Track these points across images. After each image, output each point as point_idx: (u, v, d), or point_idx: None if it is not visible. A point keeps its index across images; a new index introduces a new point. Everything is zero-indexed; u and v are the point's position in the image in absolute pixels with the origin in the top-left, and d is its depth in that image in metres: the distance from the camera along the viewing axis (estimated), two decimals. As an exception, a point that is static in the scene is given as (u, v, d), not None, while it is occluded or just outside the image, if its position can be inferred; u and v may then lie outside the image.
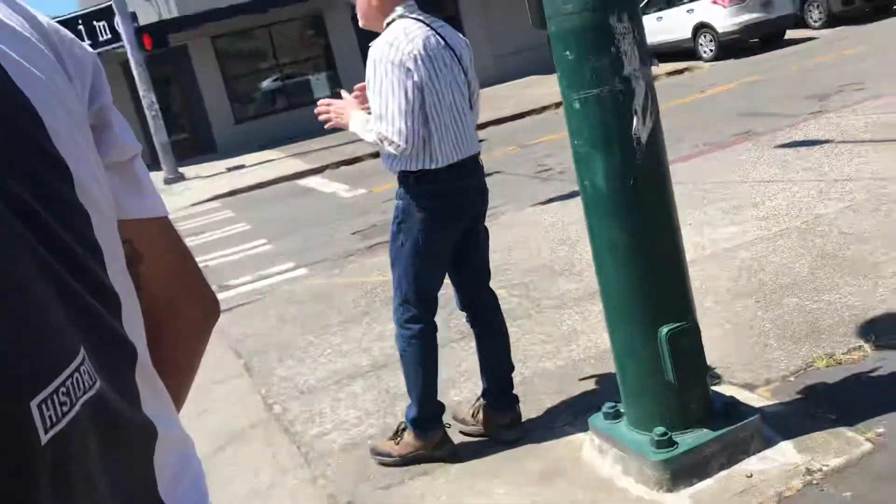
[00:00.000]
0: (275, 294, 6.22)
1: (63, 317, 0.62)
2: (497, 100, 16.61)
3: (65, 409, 0.60)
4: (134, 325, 0.73)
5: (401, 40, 2.74)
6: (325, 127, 3.07)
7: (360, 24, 2.98)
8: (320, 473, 3.22)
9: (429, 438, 3.05)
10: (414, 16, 2.84)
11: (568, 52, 2.42)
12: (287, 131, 17.71)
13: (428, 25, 2.83)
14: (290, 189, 12.00)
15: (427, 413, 3.02)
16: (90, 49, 0.77)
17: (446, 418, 3.15)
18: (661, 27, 16.36)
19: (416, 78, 2.72)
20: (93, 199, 0.69)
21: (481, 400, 3.19)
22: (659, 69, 15.19)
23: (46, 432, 0.58)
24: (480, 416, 3.18)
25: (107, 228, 0.71)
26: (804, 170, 6.12)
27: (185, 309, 0.90)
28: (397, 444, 3.11)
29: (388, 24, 2.84)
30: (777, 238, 4.72)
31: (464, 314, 3.20)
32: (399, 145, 2.73)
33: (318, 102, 3.03)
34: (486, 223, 3.13)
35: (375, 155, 13.22)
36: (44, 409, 0.58)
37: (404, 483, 3.00)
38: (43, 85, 0.66)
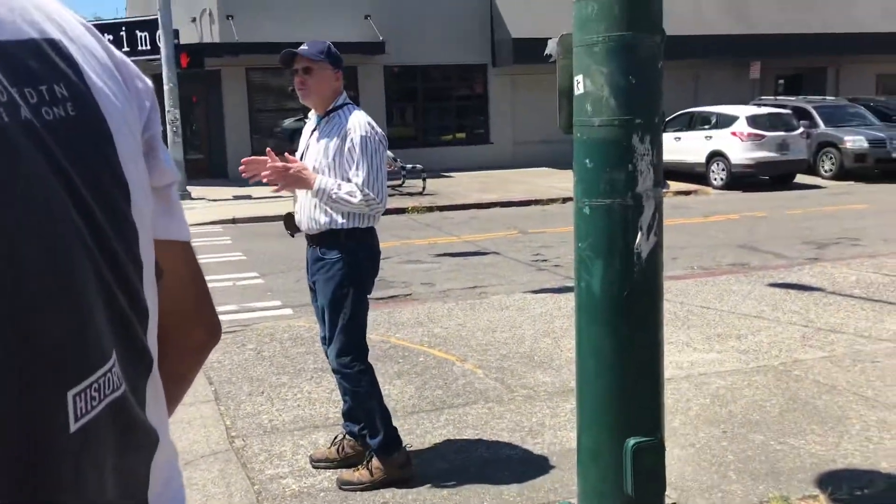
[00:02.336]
0: (256, 329, 6.26)
1: (105, 320, 0.70)
2: (508, 183, 16.91)
3: (94, 403, 0.68)
4: (153, 337, 0.81)
5: (372, 123, 3.38)
6: (273, 191, 3.42)
7: (308, 99, 3.41)
8: (268, 515, 3.22)
9: (394, 459, 3.45)
10: (351, 103, 3.46)
11: (588, 161, 2.55)
12: (299, 172, 17.87)
13: None
14: (290, 228, 12.07)
15: (389, 435, 3.46)
16: (150, 82, 0.87)
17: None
18: (678, 147, 16.77)
19: (385, 154, 3.40)
20: (142, 217, 0.77)
21: (348, 438, 3.62)
22: (668, 187, 15.52)
23: (76, 421, 0.66)
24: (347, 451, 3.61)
25: (147, 245, 0.79)
26: (791, 312, 6.26)
27: (193, 327, 0.97)
28: (368, 470, 3.43)
29: (340, 106, 3.39)
30: (754, 373, 4.81)
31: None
32: (380, 207, 3.32)
33: (268, 165, 3.27)
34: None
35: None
36: (77, 400, 0.66)
37: (349, 541, 3.01)
38: (118, 111, 0.76)
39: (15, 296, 0.61)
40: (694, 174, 16.49)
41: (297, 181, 3.31)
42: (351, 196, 3.24)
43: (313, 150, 3.39)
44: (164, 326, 0.90)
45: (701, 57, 20.54)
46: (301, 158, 3.43)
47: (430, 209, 13.80)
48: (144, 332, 0.77)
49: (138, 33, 16.41)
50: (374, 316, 6.44)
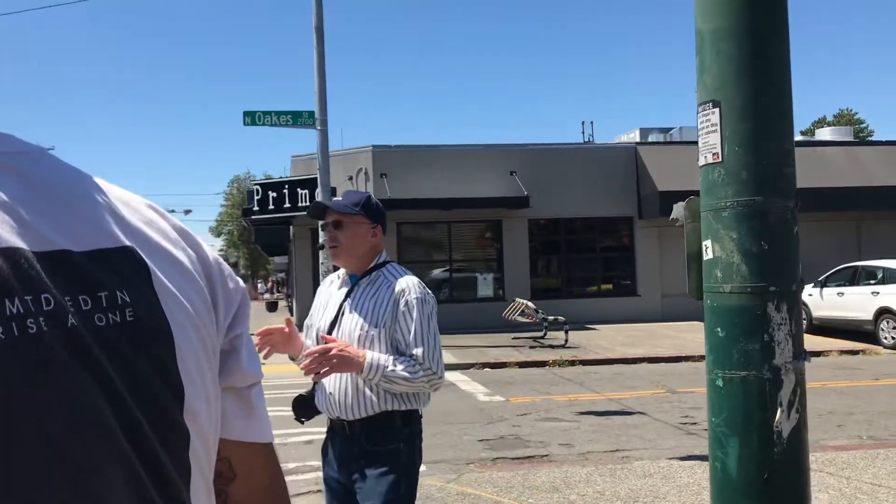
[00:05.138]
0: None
1: None
2: (656, 337, 16.38)
3: None
4: None
5: (424, 285, 2.86)
6: (314, 379, 2.80)
7: (340, 259, 2.87)
8: None
9: None
10: (393, 262, 2.94)
11: (719, 329, 2.41)
12: (445, 321, 18.12)
13: None
14: (431, 379, 12.12)
15: None
16: (242, 283, 0.88)
17: None
18: (841, 303, 15.79)
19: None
20: (196, 420, 0.75)
21: None
22: (832, 346, 14.54)
23: None
24: None
25: (202, 447, 0.77)
26: (980, 495, 5.49)
27: None
28: None
29: (381, 265, 2.88)
30: (936, 568, 4.20)
31: None
32: (440, 384, 2.77)
33: (305, 352, 2.73)
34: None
35: (522, 364, 13.24)
36: None
37: None
38: (185, 312, 0.76)
39: None
40: (861, 332, 15.36)
41: (343, 363, 2.64)
42: (412, 374, 2.67)
43: (352, 318, 2.79)
44: None
45: (863, 208, 19.67)
46: (331, 329, 2.84)
47: (573, 363, 13.50)
48: None
49: (300, 191, 17.71)
50: (507, 477, 6.24)
